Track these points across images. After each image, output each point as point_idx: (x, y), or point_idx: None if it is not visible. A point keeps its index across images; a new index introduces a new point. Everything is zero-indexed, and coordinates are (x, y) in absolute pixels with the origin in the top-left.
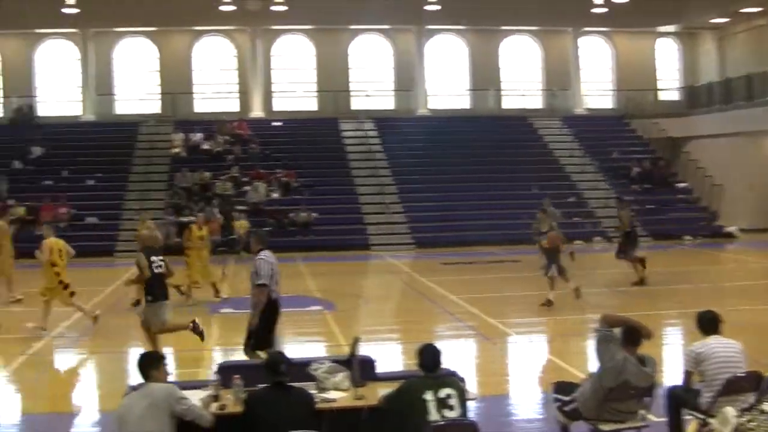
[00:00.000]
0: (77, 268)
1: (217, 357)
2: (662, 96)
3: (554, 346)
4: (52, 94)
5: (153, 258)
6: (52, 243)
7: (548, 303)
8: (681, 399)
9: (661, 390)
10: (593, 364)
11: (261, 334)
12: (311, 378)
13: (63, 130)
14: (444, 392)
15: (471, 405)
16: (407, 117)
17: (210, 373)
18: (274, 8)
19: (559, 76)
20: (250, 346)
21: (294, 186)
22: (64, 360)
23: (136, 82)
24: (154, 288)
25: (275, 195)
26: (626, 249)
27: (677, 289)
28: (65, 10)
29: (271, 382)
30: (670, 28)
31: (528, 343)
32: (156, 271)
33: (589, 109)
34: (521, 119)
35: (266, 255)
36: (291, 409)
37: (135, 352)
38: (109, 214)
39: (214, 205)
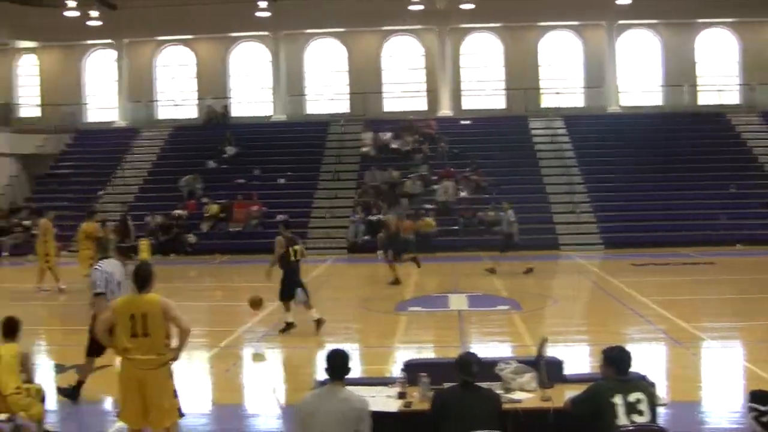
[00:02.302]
0: (264, 264)
1: (404, 354)
2: None
3: (751, 352)
4: (244, 95)
5: None
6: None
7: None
8: None
9: None
10: None
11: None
12: (497, 378)
13: (255, 130)
14: (633, 396)
15: (661, 411)
16: (597, 114)
17: (396, 370)
18: (462, 6)
19: (760, 70)
20: (90, 353)
21: (482, 185)
22: (251, 353)
23: (327, 82)
24: None
25: (463, 194)
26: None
27: None
28: (258, 14)
29: (459, 381)
30: None
31: (722, 349)
32: None
33: None
34: (718, 115)
35: (103, 264)
36: (477, 409)
37: (323, 348)
38: (299, 212)
39: (403, 204)
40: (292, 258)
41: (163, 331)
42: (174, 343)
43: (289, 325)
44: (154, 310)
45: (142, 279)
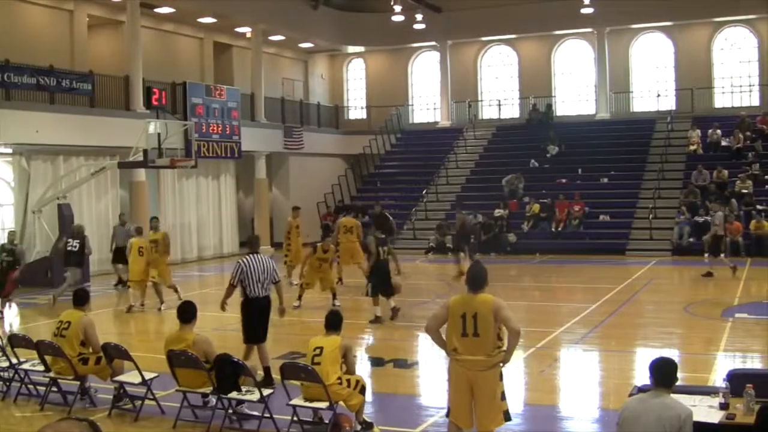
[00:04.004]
0: (587, 265)
1: (728, 363)
2: None
3: None
4: (567, 94)
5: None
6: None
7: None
8: None
9: None
10: None
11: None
12: None
13: (578, 128)
14: None
15: None
16: None
17: (719, 380)
18: None
19: None
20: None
21: None
22: (568, 355)
23: (652, 78)
24: None
25: None
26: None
27: None
28: (583, 11)
29: None
30: None
31: None
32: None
33: None
34: None
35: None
36: None
37: (642, 353)
38: (622, 212)
39: (731, 205)
40: (381, 257)
41: (494, 332)
42: (504, 345)
43: (377, 318)
44: (485, 310)
45: (476, 278)
